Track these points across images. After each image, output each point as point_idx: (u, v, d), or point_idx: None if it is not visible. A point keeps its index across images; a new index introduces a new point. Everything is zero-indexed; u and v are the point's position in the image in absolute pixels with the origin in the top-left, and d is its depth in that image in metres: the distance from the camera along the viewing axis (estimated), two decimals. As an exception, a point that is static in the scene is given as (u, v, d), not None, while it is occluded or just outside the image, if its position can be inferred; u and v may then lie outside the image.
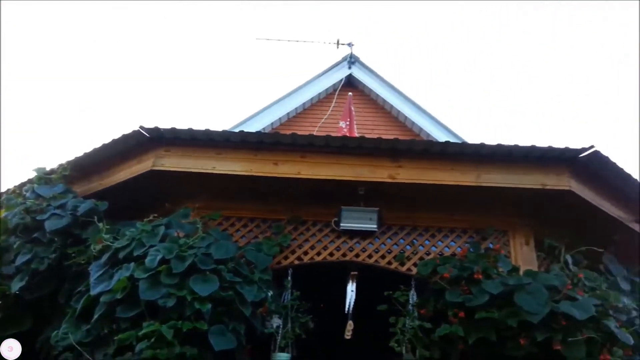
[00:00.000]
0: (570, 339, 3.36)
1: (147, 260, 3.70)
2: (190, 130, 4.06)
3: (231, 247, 3.94)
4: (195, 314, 3.53)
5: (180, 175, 4.13)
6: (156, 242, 3.85)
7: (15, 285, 4.10)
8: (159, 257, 3.69)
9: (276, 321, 4.00)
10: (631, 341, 3.42)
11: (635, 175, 3.97)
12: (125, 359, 3.41)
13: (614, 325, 3.47)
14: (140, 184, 4.24)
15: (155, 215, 4.11)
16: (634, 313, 3.86)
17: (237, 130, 4.52)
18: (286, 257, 4.22)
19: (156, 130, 4.05)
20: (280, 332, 3.96)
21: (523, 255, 4.11)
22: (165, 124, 4.07)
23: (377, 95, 7.80)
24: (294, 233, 4.30)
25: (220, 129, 4.11)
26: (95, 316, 3.64)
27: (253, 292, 3.74)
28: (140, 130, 4.05)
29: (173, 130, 4.07)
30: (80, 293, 3.96)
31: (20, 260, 4.16)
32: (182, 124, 4.07)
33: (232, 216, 4.39)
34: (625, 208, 4.23)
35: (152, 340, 3.38)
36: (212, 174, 4.09)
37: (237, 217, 4.40)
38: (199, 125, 4.08)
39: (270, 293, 3.94)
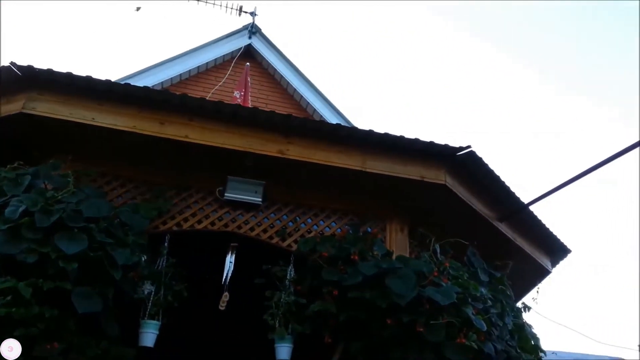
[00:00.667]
0: (432, 322, 3.61)
1: (7, 210, 3.36)
2: (69, 75, 3.71)
3: (104, 205, 3.69)
4: (59, 273, 3.26)
5: (54, 122, 3.75)
6: (19, 192, 3.51)
7: None
8: (21, 209, 3.35)
9: (148, 287, 3.84)
10: (484, 327, 3.76)
11: (504, 178, 4.35)
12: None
13: (471, 312, 3.78)
14: (6, 127, 3.80)
15: (21, 163, 3.73)
16: (489, 302, 4.25)
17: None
18: (165, 223, 4.05)
19: (30, 68, 3.64)
20: (151, 298, 3.81)
21: (397, 242, 4.33)
22: (42, 65, 3.69)
23: (275, 70, 7.73)
24: (175, 198, 4.13)
25: (102, 78, 3.80)
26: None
27: (125, 255, 3.53)
28: (11, 66, 3.62)
29: (50, 72, 3.69)
30: None
31: None
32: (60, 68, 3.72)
33: (110, 174, 4.11)
34: (491, 207, 4.62)
35: (8, 298, 3.09)
36: (91, 125, 3.78)
37: (114, 175, 4.13)
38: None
39: (144, 258, 3.77)
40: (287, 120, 4.00)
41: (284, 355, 3.86)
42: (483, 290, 4.14)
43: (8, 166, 3.66)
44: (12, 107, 3.69)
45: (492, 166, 4.22)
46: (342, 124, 6.32)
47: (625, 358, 14.56)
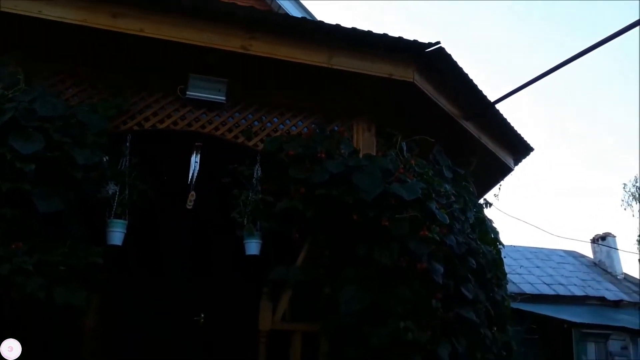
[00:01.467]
0: (397, 216, 3.70)
1: (-46, 109, 3.18)
2: (11, -39, 3.39)
3: (59, 104, 3.56)
4: (17, 173, 3.19)
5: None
6: (-31, 91, 3.31)
7: None
8: (-31, 108, 3.19)
9: (112, 187, 3.80)
10: (447, 220, 3.88)
11: (472, 77, 4.30)
12: None
13: (434, 207, 3.88)
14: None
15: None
16: (453, 198, 4.36)
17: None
18: (125, 122, 3.92)
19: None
20: (116, 198, 3.78)
21: (364, 140, 4.31)
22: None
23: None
24: (134, 97, 3.97)
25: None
26: None
27: (85, 155, 3.45)
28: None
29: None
30: None
31: None
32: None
33: (63, 72, 3.90)
34: (458, 106, 4.60)
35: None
36: (39, 18, 3.51)
37: (69, 74, 3.92)
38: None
39: (105, 158, 3.68)
40: (249, 13, 3.78)
41: (253, 250, 3.96)
42: (447, 186, 4.23)
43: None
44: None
45: (460, 64, 4.15)
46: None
47: (578, 251, 15.58)
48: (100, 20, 3.58)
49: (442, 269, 3.79)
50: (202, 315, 6.48)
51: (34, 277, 3.03)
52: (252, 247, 3.94)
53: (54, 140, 3.35)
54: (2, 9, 3.47)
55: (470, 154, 5.05)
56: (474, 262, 4.31)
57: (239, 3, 3.78)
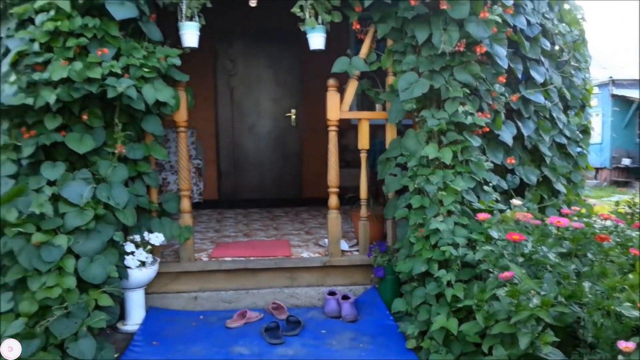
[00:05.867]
0: (455, -3, 3.54)
1: None
2: None
3: None
4: (89, -15, 3.44)
5: None
6: None
7: None
8: None
9: (179, -10, 3.93)
10: (510, 1, 3.64)
11: None
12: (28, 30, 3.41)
13: (498, -15, 3.63)
14: None
15: None
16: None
17: None
18: None
19: None
20: (184, 1, 3.95)
21: None
22: None
23: None
24: None
25: None
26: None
27: (148, -41, 3.58)
28: None
29: None
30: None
31: None
32: None
33: None
34: None
35: (51, 12, 3.37)
36: None
37: None
38: None
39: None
40: None
41: (317, 44, 4.06)
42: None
43: None
44: None
45: None
46: None
47: None
48: None
49: (504, 52, 3.68)
50: (293, 111, 7.02)
51: (123, 78, 3.46)
52: (317, 41, 4.03)
53: (117, -54, 3.50)
54: None
55: None
56: (548, 44, 4.09)
57: None
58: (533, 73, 4.10)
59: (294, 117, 7.11)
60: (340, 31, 4.12)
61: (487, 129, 3.81)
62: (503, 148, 4.00)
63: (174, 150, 5.83)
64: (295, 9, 3.98)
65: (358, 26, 3.98)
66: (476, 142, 3.67)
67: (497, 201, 3.59)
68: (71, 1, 3.40)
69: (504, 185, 3.96)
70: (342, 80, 4.07)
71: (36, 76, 3.27)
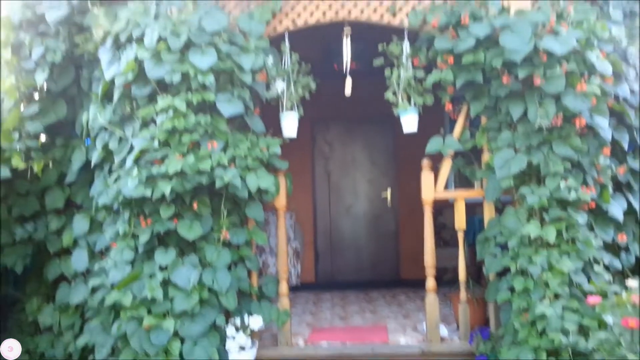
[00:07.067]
0: (549, 72, 3.52)
1: (145, 40, 3.89)
2: None
3: (222, 17, 4.03)
4: (201, 86, 3.85)
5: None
6: (151, 21, 3.99)
7: (39, 78, 4.45)
8: (155, 36, 3.87)
9: (280, 85, 4.25)
10: (609, 71, 3.56)
11: None
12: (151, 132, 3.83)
13: (595, 56, 3.57)
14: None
15: (144, -6, 4.16)
16: (624, 42, 3.90)
17: None
18: (280, 22, 4.28)
19: None
20: (284, 94, 4.27)
21: (516, -6, 4.01)
22: None
23: None
24: (285, -3, 4.27)
25: None
26: (115, 98, 4.03)
27: (250, 60, 3.96)
28: None
29: None
30: (98, 78, 4.31)
31: (35, 54, 4.44)
32: None
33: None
34: None
35: (169, 113, 3.78)
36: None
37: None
38: None
39: (270, 59, 4.15)
40: None
41: (410, 126, 4.15)
42: (613, 29, 3.77)
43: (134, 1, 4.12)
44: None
45: None
46: None
47: None
48: None
49: (606, 123, 3.55)
50: (389, 190, 7.09)
51: (229, 169, 3.75)
52: (409, 122, 4.13)
53: (223, 52, 3.91)
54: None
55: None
56: (656, 110, 3.88)
57: None
58: (641, 142, 3.89)
59: (389, 197, 7.15)
60: (433, 110, 4.19)
61: (594, 204, 3.61)
62: (613, 224, 3.75)
63: (273, 233, 6.04)
64: (388, 95, 4.14)
65: (450, 106, 4.04)
66: (582, 218, 3.49)
67: (610, 282, 3.31)
68: (187, 102, 3.80)
69: (618, 264, 3.67)
70: (437, 158, 4.09)
71: (155, 170, 3.64)
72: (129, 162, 3.83)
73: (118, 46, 4.12)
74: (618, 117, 3.89)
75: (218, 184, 3.66)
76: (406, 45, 4.18)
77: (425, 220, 4.07)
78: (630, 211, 3.86)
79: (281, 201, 4.13)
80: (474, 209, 4.83)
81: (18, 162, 4.34)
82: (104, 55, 4.17)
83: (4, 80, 4.57)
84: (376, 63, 4.22)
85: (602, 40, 3.67)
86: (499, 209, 3.94)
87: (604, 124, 3.59)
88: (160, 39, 3.86)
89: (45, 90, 4.63)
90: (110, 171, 4.17)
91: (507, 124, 3.80)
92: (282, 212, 4.17)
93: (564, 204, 3.51)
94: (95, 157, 4.18)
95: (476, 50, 3.74)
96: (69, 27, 4.43)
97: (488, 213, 3.99)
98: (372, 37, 4.31)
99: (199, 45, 3.88)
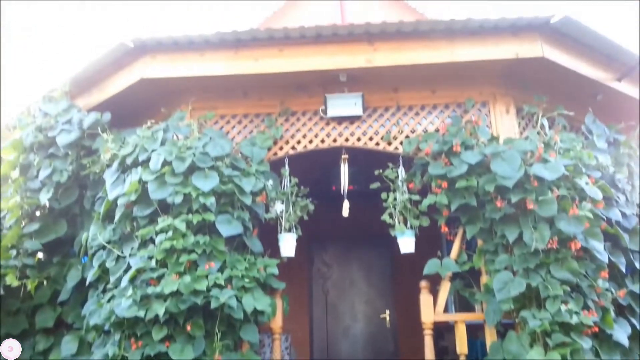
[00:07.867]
0: (541, 197, 3.64)
1: (151, 163, 4.05)
2: (170, 37, 4.19)
3: (226, 144, 4.23)
4: (201, 207, 3.93)
5: (169, 80, 4.33)
6: (157, 147, 4.17)
7: (43, 197, 4.55)
8: (161, 160, 4.03)
9: (279, 206, 4.36)
10: (599, 196, 3.68)
11: (609, 36, 3.97)
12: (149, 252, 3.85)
13: (584, 182, 3.72)
14: (135, 93, 4.47)
15: (153, 121, 4.40)
16: (611, 169, 4.07)
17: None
18: (281, 148, 4.49)
19: (139, 40, 4.19)
20: (283, 216, 4.36)
21: (504, 124, 4.27)
22: (152, 33, 4.21)
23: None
24: (285, 124, 4.51)
25: (198, 32, 4.20)
26: (117, 217, 4.10)
27: (251, 183, 4.09)
28: (124, 41, 4.19)
29: (154, 38, 4.20)
30: (101, 198, 4.41)
31: (42, 174, 4.59)
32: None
33: (227, 114, 4.61)
34: (605, 68, 4.27)
35: (169, 233, 3.82)
36: (198, 76, 4.27)
37: (231, 114, 4.61)
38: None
39: (270, 182, 4.29)
40: (367, 28, 4.07)
41: (407, 248, 4.19)
42: (600, 157, 3.97)
43: (144, 126, 4.35)
44: (133, 76, 4.32)
45: (592, 27, 3.87)
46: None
47: None
48: (245, 67, 4.23)
49: (602, 246, 3.60)
50: (387, 312, 6.94)
51: (226, 289, 3.72)
52: (406, 244, 4.18)
53: (226, 175, 4.06)
54: (171, 76, 4.29)
55: (630, 116, 4.59)
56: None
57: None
58: (638, 265, 3.90)
59: (388, 318, 6.98)
60: (430, 231, 4.25)
61: (597, 329, 3.54)
62: (619, 350, 3.64)
63: (268, 357, 5.80)
64: (385, 217, 4.23)
65: (446, 229, 4.11)
66: (587, 343, 3.40)
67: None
68: (187, 222, 3.86)
69: (629, 393, 3.51)
70: (436, 279, 4.07)
71: (150, 290, 3.60)
72: (125, 281, 3.79)
73: (124, 169, 4.27)
74: (613, 241, 3.95)
75: (213, 304, 3.61)
76: (401, 171, 4.35)
77: (425, 345, 3.95)
78: (635, 335, 3.77)
79: (277, 323, 4.04)
80: (475, 332, 4.70)
81: (12, 280, 4.31)
82: (109, 176, 4.30)
83: (8, 199, 4.67)
84: (373, 186, 4.35)
85: (590, 167, 3.84)
86: (501, 333, 3.84)
87: (599, 247, 3.64)
88: (165, 162, 4.02)
89: (47, 208, 4.72)
90: (104, 290, 4.11)
91: (503, 246, 3.85)
92: (277, 334, 4.06)
93: (566, 328, 3.43)
94: (91, 275, 4.15)
95: (469, 176, 3.90)
96: (78, 149, 4.62)
97: (490, 337, 3.88)
98: (368, 160, 4.50)
99: (203, 169, 4.03)
